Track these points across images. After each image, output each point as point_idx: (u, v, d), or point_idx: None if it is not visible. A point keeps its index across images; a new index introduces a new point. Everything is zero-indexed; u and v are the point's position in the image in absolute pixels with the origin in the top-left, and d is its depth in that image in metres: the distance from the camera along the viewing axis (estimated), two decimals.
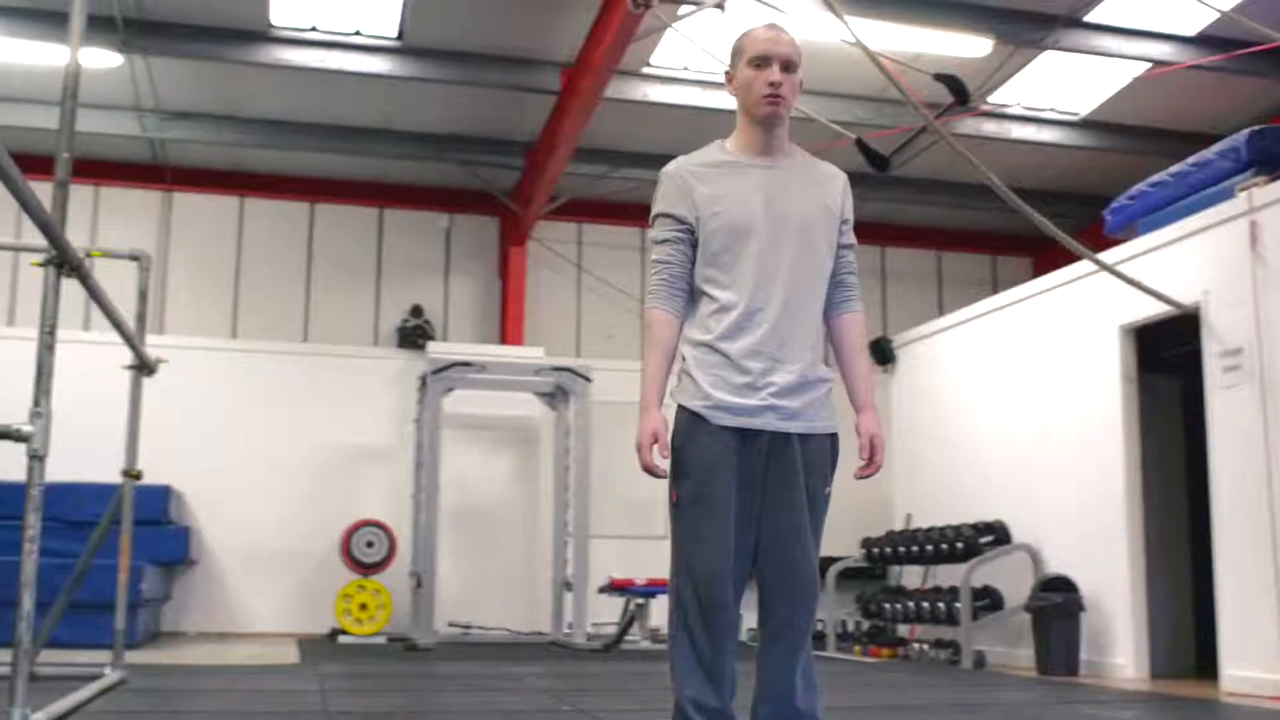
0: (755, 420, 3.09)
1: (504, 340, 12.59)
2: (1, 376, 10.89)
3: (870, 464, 3.23)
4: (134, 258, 6.39)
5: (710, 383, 3.13)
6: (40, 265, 4.12)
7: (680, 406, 3.17)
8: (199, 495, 11.56)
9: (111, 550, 9.80)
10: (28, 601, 3.98)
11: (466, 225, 13.08)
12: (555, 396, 11.53)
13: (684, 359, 3.22)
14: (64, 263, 4.12)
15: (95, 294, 4.61)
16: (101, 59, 9.67)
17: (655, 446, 3.08)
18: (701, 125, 11.32)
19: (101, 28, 9.24)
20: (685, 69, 10.29)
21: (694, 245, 3.21)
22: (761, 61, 3.18)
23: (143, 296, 6.38)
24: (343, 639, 10.88)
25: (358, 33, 9.73)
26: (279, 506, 11.67)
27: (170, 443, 11.43)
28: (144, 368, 6.29)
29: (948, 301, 13.61)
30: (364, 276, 12.77)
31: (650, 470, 3.08)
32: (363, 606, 11.03)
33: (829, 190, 3.29)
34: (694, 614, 3.06)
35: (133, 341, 5.73)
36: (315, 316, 12.58)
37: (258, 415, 11.84)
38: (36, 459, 4.00)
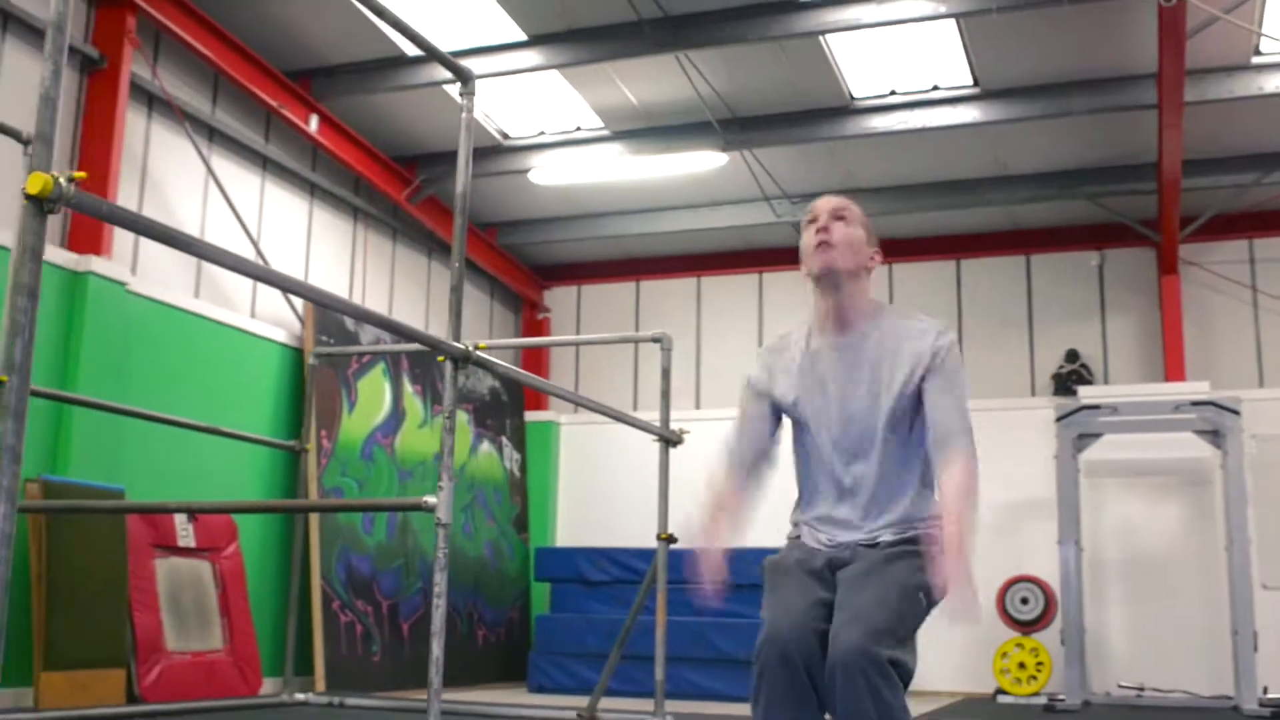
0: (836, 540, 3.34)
1: (1167, 377, 11.66)
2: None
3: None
4: (655, 339, 7.01)
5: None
6: (442, 359, 4.83)
7: None
8: None
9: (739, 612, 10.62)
10: (436, 648, 4.63)
11: (1119, 260, 12.32)
12: (1218, 434, 10.48)
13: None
14: (455, 357, 4.80)
15: (502, 377, 5.23)
16: (711, 160, 10.63)
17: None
18: None
19: (702, 132, 10.22)
20: None
21: (778, 415, 3.52)
22: (811, 222, 3.36)
23: (665, 374, 6.97)
24: (1001, 699, 10.65)
25: (935, 88, 9.79)
26: None
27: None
28: (668, 440, 6.87)
29: None
30: (1015, 326, 12.52)
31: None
32: (1020, 665, 10.73)
33: (915, 349, 3.24)
34: (758, 680, 3.02)
35: (626, 418, 6.31)
36: (970, 371, 12.54)
37: None
38: (441, 526, 4.67)
